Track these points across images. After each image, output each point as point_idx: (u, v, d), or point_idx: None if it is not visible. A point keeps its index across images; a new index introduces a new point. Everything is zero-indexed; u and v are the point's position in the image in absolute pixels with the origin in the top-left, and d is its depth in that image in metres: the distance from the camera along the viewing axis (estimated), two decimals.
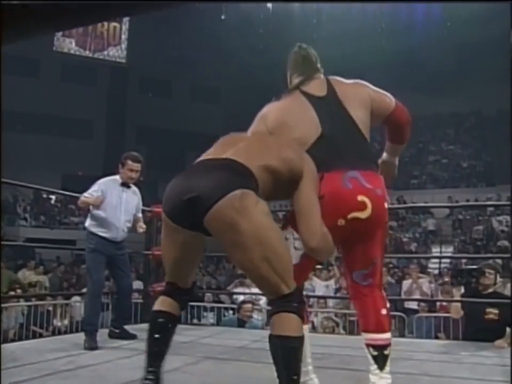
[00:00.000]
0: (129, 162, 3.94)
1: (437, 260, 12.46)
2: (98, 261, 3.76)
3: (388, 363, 2.02)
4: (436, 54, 18.00)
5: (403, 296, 6.44)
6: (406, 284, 6.80)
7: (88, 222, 3.90)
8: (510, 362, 2.21)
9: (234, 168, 1.77)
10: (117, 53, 17.66)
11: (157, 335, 1.89)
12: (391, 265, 11.24)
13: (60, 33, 16.83)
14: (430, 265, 11.84)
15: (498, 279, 4.11)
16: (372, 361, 2.02)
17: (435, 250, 14.26)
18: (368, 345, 2.03)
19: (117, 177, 3.99)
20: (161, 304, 1.95)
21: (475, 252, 12.58)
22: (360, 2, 12.97)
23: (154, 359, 1.87)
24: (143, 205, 4.24)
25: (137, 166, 3.97)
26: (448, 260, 11.89)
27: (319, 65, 2.22)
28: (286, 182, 1.87)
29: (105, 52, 17.51)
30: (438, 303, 5.97)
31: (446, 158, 19.62)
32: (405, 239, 14.89)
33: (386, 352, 2.03)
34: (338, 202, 1.93)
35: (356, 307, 2.16)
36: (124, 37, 17.59)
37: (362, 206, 1.93)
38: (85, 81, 20.12)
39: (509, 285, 5.67)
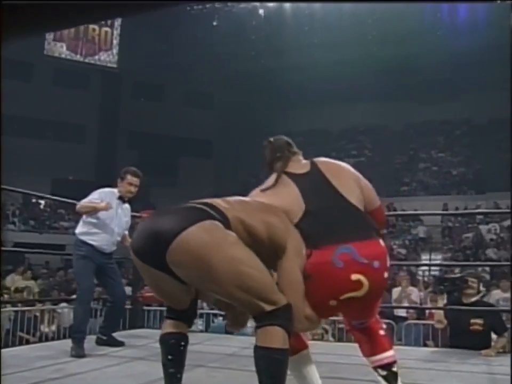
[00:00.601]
0: (129, 176, 3.96)
1: (426, 267, 12.50)
2: (87, 267, 3.73)
3: (399, 380, 2.03)
4: (427, 62, 18.11)
5: (393, 304, 6.45)
6: (395, 291, 6.81)
7: (79, 229, 3.86)
8: (510, 369, 2.21)
9: (206, 207, 1.75)
10: (108, 57, 17.64)
11: (170, 357, 1.87)
12: None
13: (51, 37, 16.79)
14: (420, 273, 11.88)
15: (482, 288, 4.12)
16: (384, 382, 2.01)
17: (425, 257, 14.31)
18: (375, 368, 2.03)
19: (115, 190, 3.99)
20: (168, 326, 1.92)
21: (464, 259, 12.62)
22: (360, 2, 13.03)
23: (172, 381, 1.87)
24: (133, 210, 4.24)
25: (136, 181, 3.99)
26: (438, 268, 11.93)
27: (295, 149, 2.18)
28: (266, 250, 1.77)
29: (97, 57, 17.49)
30: (427, 311, 5.99)
31: (436, 165, 19.73)
32: (394, 246, 14.93)
33: (394, 369, 2.03)
34: (328, 284, 1.78)
35: (354, 336, 2.15)
36: (115, 41, 17.58)
37: (358, 286, 1.78)
38: (77, 86, 20.05)
39: (494, 292, 5.70)
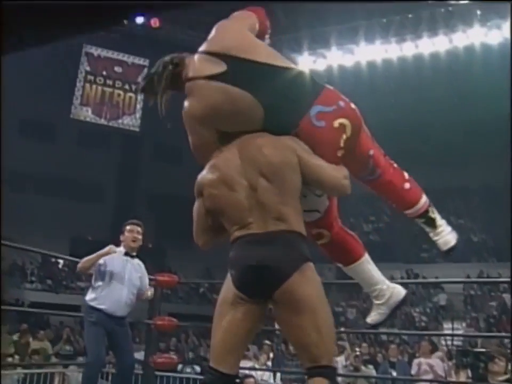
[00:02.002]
0: (128, 226, 3.91)
1: (449, 337, 12.11)
2: (99, 334, 3.59)
3: (437, 220, 2.35)
4: (444, 129, 18.27)
5: (414, 376, 6.19)
6: (417, 362, 6.54)
7: (88, 296, 3.76)
8: None
9: (294, 239, 1.88)
10: (131, 121, 18.10)
11: None
12: (400, 342, 10.95)
13: (78, 102, 17.33)
14: (442, 342, 11.50)
15: (510, 367, 3.88)
16: (426, 228, 2.35)
17: (446, 326, 13.89)
18: (413, 218, 2.31)
19: (120, 248, 3.89)
20: None
21: (488, 329, 12.23)
22: (359, 2, 13.27)
23: None
24: (149, 272, 4.17)
25: (137, 228, 3.92)
26: (461, 337, 11.55)
27: None
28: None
29: (120, 120, 17.95)
30: None
31: (456, 231, 19.46)
32: (415, 314, 14.56)
33: (429, 214, 2.33)
34: (326, 143, 1.98)
35: (387, 200, 2.36)
36: (138, 106, 18.08)
37: (343, 128, 1.99)
38: (99, 147, 20.51)
39: None
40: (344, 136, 1.99)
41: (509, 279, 5.45)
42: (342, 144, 1.99)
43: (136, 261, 3.92)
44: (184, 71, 2.07)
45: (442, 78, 16.16)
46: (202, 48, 2.07)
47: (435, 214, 2.33)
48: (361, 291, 16.66)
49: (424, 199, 2.30)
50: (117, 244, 3.94)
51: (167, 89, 2.13)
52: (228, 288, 1.89)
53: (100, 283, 3.71)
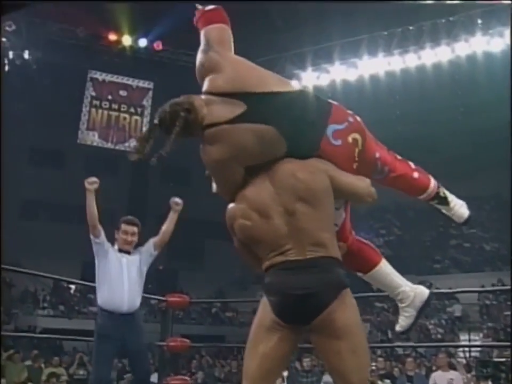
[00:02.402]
0: (123, 225, 3.76)
1: (466, 349, 11.94)
2: (105, 351, 3.45)
3: (448, 197, 2.50)
4: (451, 139, 18.23)
5: None
6: (435, 376, 6.43)
7: (97, 299, 3.67)
8: None
9: (332, 266, 1.90)
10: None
11: None
12: (417, 355, 10.81)
13: (84, 127, 17.46)
14: (460, 354, 11.34)
15: None
16: (440, 207, 2.50)
17: (463, 337, 13.71)
18: (427, 201, 2.43)
19: (115, 245, 3.80)
20: None
21: (505, 339, 12.05)
22: (360, 2, 13.31)
23: None
24: (160, 293, 4.12)
25: (131, 229, 3.75)
26: (478, 348, 11.39)
27: None
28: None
29: (127, 144, 18.06)
30: None
31: (468, 241, 19.32)
32: (430, 326, 14.39)
33: (440, 194, 2.45)
34: (344, 159, 2.09)
35: (399, 189, 2.42)
36: (144, 129, 18.18)
37: (356, 142, 2.12)
38: (107, 171, 20.60)
39: None
40: (357, 150, 2.11)
41: None
42: (356, 158, 2.12)
43: (133, 256, 3.78)
44: (198, 116, 2.04)
45: (446, 88, 16.17)
46: (209, 88, 2.08)
47: (445, 192, 2.49)
48: (375, 305, 16.55)
49: (433, 182, 2.44)
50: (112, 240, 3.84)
51: (180, 137, 2.12)
52: (264, 312, 1.91)
53: (100, 285, 3.63)
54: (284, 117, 1.99)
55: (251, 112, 1.95)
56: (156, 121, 2.13)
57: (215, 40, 2.17)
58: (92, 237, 3.73)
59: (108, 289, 3.57)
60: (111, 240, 3.86)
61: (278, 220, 1.90)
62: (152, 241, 3.90)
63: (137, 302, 3.69)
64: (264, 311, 1.91)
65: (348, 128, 2.09)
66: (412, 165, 2.43)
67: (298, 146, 2.01)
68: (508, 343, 9.49)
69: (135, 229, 3.79)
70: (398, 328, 2.39)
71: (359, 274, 2.38)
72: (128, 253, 3.75)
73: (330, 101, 2.19)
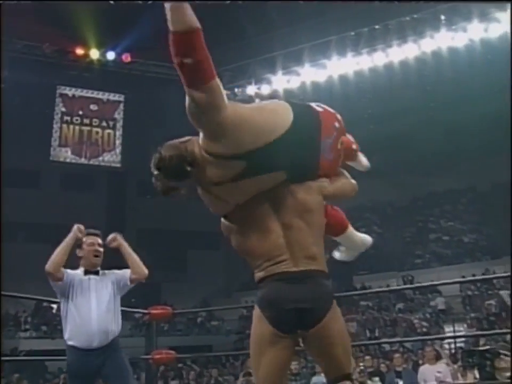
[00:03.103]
0: (86, 238, 3.37)
1: (451, 340, 12.06)
2: None
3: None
4: (425, 135, 18.45)
5: (421, 383, 6.14)
6: (424, 369, 6.48)
7: (64, 335, 3.24)
8: None
9: (324, 279, 2.07)
10: (111, 158, 18.05)
11: None
12: (404, 350, 10.89)
13: (56, 143, 17.26)
14: (446, 346, 11.45)
15: None
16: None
17: (448, 329, 13.85)
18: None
19: (79, 269, 3.40)
20: None
21: (489, 328, 12.20)
22: (360, 2, 13.42)
23: None
24: (143, 307, 4.06)
25: (97, 240, 3.41)
26: (463, 339, 11.52)
27: None
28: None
29: (100, 158, 17.90)
30: None
31: (447, 234, 19.55)
32: (415, 321, 14.51)
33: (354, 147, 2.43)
34: (334, 167, 2.28)
35: None
36: (117, 142, 18.06)
37: (341, 144, 2.27)
38: (83, 188, 20.39)
39: None
40: (342, 149, 2.28)
41: (508, 274, 5.44)
42: (342, 156, 2.31)
43: (101, 273, 3.39)
44: (200, 172, 2.05)
45: (415, 84, 16.37)
46: (207, 149, 2.02)
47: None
48: (360, 304, 16.62)
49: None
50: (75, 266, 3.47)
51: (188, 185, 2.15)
52: (262, 326, 2.00)
53: (66, 317, 3.21)
54: (283, 161, 2.07)
55: (250, 168, 2.01)
56: (155, 171, 2.07)
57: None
58: (52, 283, 3.29)
59: (74, 323, 3.17)
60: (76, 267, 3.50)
61: (275, 233, 2.04)
62: (129, 272, 3.52)
63: (111, 333, 3.24)
64: (261, 325, 2.00)
65: (336, 137, 2.21)
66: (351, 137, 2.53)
67: (300, 176, 2.13)
68: (490, 332, 9.63)
69: (100, 241, 3.44)
70: (336, 255, 2.61)
71: (334, 237, 2.51)
72: (97, 273, 3.35)
73: (315, 107, 2.26)
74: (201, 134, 2.06)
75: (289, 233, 2.04)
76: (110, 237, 3.52)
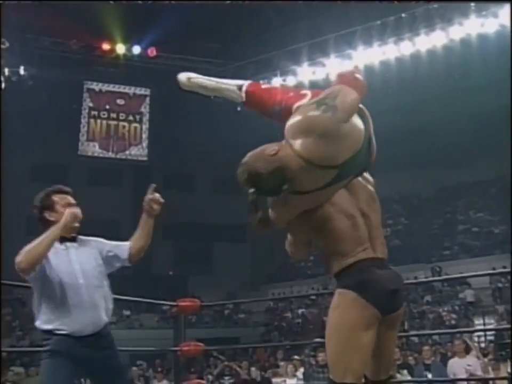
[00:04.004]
0: (57, 197, 2.64)
1: (481, 333, 11.89)
2: (58, 368, 2.37)
3: None
4: (452, 126, 18.15)
5: (451, 377, 6.07)
6: (453, 362, 6.41)
7: (40, 318, 2.49)
8: None
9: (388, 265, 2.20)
10: (138, 151, 18.22)
11: None
12: (432, 342, 10.76)
13: (84, 138, 17.50)
14: (475, 339, 11.30)
15: None
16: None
17: (477, 322, 13.67)
18: None
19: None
20: None
21: None
22: (360, 2, 13.30)
23: None
24: (171, 299, 4.02)
25: (69, 198, 2.69)
26: (493, 332, 11.35)
27: None
28: None
29: (127, 152, 18.08)
30: (490, 382, 5.61)
31: (476, 226, 19.24)
32: (444, 313, 14.35)
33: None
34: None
35: None
36: (144, 135, 18.20)
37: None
38: (110, 182, 20.61)
39: None
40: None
41: None
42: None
43: (80, 239, 2.69)
44: (295, 185, 2.07)
45: (442, 73, 16.11)
46: (304, 153, 2.02)
47: None
48: None
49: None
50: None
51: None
52: (358, 310, 2.03)
53: (47, 297, 2.49)
54: (363, 165, 2.21)
55: (340, 176, 2.09)
56: (250, 189, 2.08)
57: (344, 105, 2.07)
58: (26, 277, 2.49)
59: (59, 303, 2.46)
60: None
61: (360, 220, 2.14)
62: (128, 246, 2.89)
63: (104, 311, 2.59)
64: (357, 309, 2.02)
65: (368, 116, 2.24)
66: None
67: (364, 171, 2.27)
68: None
69: (73, 200, 2.72)
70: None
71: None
72: (74, 240, 2.64)
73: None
74: (301, 140, 2.03)
75: (368, 222, 2.16)
76: (155, 197, 2.98)
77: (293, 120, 2.09)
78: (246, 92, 2.45)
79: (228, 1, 13.21)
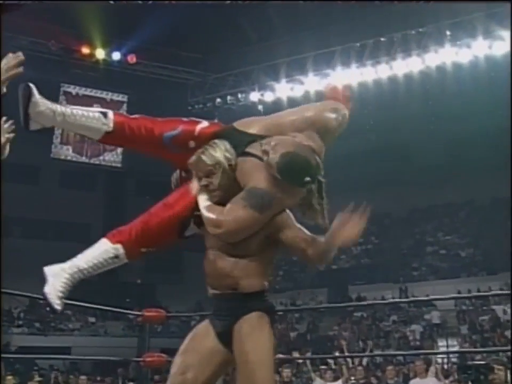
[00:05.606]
0: None
1: (444, 355, 12.03)
2: None
3: None
4: (425, 148, 18.51)
5: None
6: (413, 383, 6.48)
7: None
8: None
9: None
10: (112, 157, 18.08)
11: None
12: (396, 362, 10.86)
13: (58, 141, 17.29)
14: (438, 360, 11.42)
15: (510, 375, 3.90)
16: None
17: (441, 344, 13.83)
18: None
19: None
20: None
21: (482, 343, 12.19)
22: (360, 1, 13.45)
23: None
24: (138, 309, 4.04)
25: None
26: (457, 354, 11.50)
27: None
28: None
29: (101, 157, 17.92)
30: None
31: (444, 248, 19.54)
32: (409, 333, 14.49)
33: None
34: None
35: None
36: None
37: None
38: (83, 186, 20.39)
39: None
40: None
41: (504, 292, 5.43)
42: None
43: None
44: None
45: (417, 98, 16.43)
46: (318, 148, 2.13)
47: None
48: (353, 314, 16.60)
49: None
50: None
51: None
52: (273, 333, 2.38)
53: None
54: None
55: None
56: (311, 181, 2.03)
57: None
58: None
59: None
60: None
61: None
62: None
63: None
64: (273, 332, 2.31)
65: None
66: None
67: None
68: (488, 349, 9.61)
69: None
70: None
71: None
72: None
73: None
74: (310, 133, 2.13)
75: None
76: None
77: (322, 116, 2.21)
78: (115, 122, 2.11)
79: (228, 1, 13.21)
